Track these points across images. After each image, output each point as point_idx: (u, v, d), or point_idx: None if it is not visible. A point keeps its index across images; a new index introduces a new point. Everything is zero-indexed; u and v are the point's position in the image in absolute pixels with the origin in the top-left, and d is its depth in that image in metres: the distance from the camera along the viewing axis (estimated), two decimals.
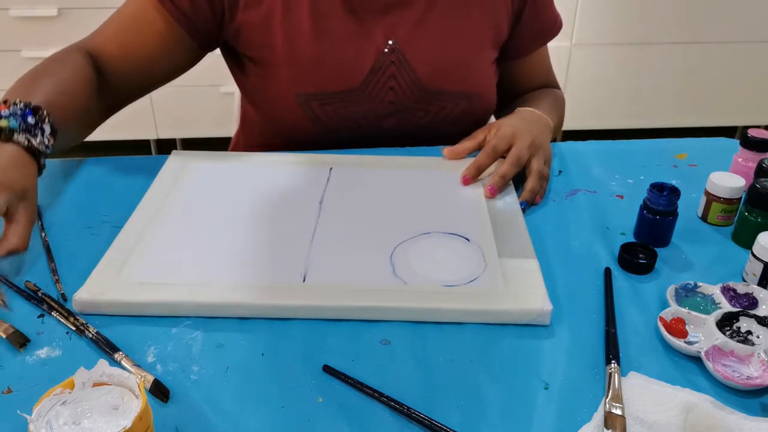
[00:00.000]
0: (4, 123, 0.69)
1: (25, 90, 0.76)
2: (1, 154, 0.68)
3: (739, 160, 0.84)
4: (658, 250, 0.71)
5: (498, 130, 0.87)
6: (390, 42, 0.64)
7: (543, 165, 0.84)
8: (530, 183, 0.82)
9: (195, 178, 0.82)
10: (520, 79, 1.05)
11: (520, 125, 0.88)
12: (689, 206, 0.82)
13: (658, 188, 0.73)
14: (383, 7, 0.88)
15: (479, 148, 0.88)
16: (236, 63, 0.95)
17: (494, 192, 0.80)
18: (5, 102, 0.71)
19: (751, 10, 2.31)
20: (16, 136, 0.69)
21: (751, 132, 0.83)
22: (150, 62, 0.89)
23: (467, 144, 0.89)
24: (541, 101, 1.01)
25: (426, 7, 0.90)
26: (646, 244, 0.73)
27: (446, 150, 0.89)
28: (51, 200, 0.80)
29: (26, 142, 0.70)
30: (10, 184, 0.66)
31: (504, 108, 1.06)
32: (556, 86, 1.11)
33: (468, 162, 0.85)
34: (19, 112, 0.70)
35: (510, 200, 0.80)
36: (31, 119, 0.71)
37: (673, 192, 0.73)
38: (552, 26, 1.01)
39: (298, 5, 0.86)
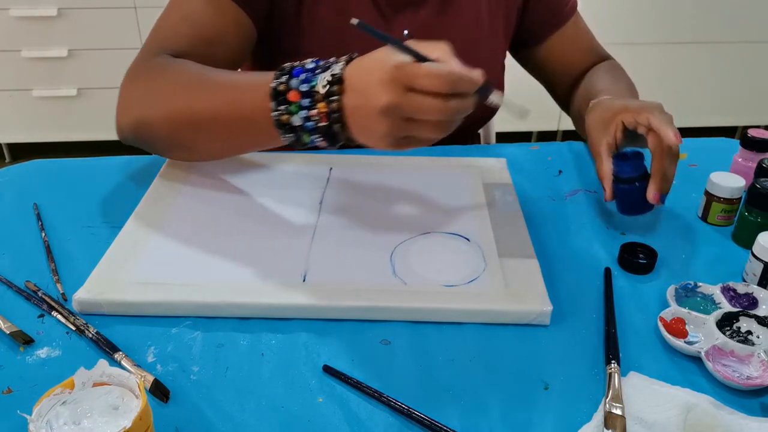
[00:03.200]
0: (334, 70, 0.62)
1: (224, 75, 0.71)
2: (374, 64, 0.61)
3: (739, 160, 0.84)
4: (657, 249, 0.71)
5: (641, 116, 0.76)
6: (405, 32, 0.64)
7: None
8: (671, 170, 0.74)
9: (195, 178, 0.82)
10: (557, 60, 1.03)
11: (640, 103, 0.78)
12: (689, 206, 0.82)
13: (621, 156, 0.74)
14: (404, 2, 0.90)
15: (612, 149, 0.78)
16: (260, 58, 0.94)
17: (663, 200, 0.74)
18: (284, 93, 0.63)
19: (751, 10, 2.31)
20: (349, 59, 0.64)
21: (751, 132, 0.83)
22: (235, 54, 0.85)
23: (606, 161, 0.77)
24: (609, 89, 0.92)
25: (441, 2, 0.91)
26: (631, 215, 0.74)
27: (608, 194, 0.76)
28: (51, 200, 0.80)
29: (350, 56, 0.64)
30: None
31: (559, 92, 1.05)
32: (606, 56, 1.05)
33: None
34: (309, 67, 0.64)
35: (510, 200, 0.80)
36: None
37: (636, 156, 0.73)
38: (564, 6, 1.00)
39: None
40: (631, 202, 0.74)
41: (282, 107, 0.63)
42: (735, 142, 0.94)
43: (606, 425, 0.52)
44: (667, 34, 2.33)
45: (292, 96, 0.63)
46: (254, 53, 0.95)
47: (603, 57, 1.05)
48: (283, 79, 0.64)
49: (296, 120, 0.63)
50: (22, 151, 2.50)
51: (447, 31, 0.92)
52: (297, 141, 0.65)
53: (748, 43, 2.38)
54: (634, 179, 0.73)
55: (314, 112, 0.62)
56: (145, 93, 0.75)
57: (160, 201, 0.77)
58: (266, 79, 0.65)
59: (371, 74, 0.60)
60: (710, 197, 0.78)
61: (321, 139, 0.64)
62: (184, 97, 0.72)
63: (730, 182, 0.77)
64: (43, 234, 0.74)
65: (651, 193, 0.72)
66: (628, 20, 2.28)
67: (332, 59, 0.64)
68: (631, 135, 0.77)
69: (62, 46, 2.19)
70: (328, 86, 0.62)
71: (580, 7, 1.06)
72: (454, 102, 0.59)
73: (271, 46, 0.91)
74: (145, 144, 0.78)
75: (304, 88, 0.63)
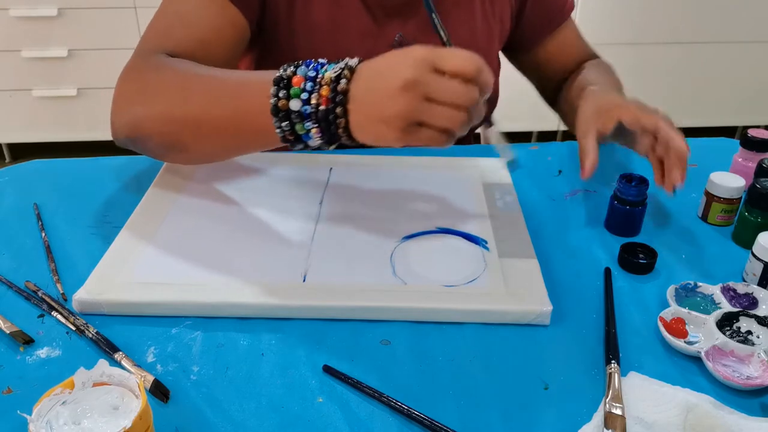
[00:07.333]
0: (350, 62, 0.61)
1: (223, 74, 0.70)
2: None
3: (739, 160, 0.84)
4: (657, 249, 0.71)
5: (633, 113, 0.75)
6: (397, 36, 0.63)
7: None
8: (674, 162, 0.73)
9: (195, 178, 0.82)
10: (550, 62, 1.04)
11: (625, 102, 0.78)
12: (689, 206, 0.82)
13: (627, 179, 0.75)
14: (397, 6, 0.89)
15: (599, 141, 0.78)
16: (254, 59, 0.94)
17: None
18: (288, 78, 0.61)
19: (751, 10, 2.31)
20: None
21: (751, 132, 0.83)
22: (230, 54, 0.84)
23: (592, 140, 0.76)
24: (600, 81, 0.93)
25: (435, 6, 0.90)
26: (618, 234, 0.75)
27: (587, 171, 0.75)
28: (51, 200, 0.80)
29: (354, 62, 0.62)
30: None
31: (548, 90, 1.07)
32: (595, 56, 1.06)
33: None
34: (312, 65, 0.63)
35: (510, 200, 0.80)
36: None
37: (642, 182, 0.74)
38: (560, 11, 1.00)
39: None
40: (624, 223, 0.76)
41: (282, 92, 0.61)
42: (735, 142, 0.94)
43: (606, 425, 0.52)
44: (668, 34, 2.33)
45: (296, 81, 0.61)
46: (248, 55, 0.95)
47: (593, 56, 1.07)
48: (291, 68, 0.62)
49: (294, 104, 0.60)
50: (22, 151, 2.50)
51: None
52: (291, 131, 0.61)
53: (748, 43, 2.38)
54: (635, 203, 0.75)
55: (315, 96, 0.60)
56: (140, 92, 0.73)
57: (160, 201, 0.77)
58: (272, 72, 0.63)
59: (395, 55, 0.59)
60: (710, 197, 0.78)
61: (316, 128, 0.60)
62: (180, 96, 0.70)
63: (730, 182, 0.77)
64: (43, 234, 0.74)
65: (668, 185, 0.72)
66: (628, 21, 2.28)
67: (349, 58, 0.62)
68: (618, 131, 0.77)
69: (62, 46, 2.19)
70: (339, 71, 0.60)
71: (585, 8, 1.06)
72: (475, 90, 0.58)
73: (264, 47, 0.91)
74: (139, 144, 0.75)
75: (312, 73, 0.61)
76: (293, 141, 0.63)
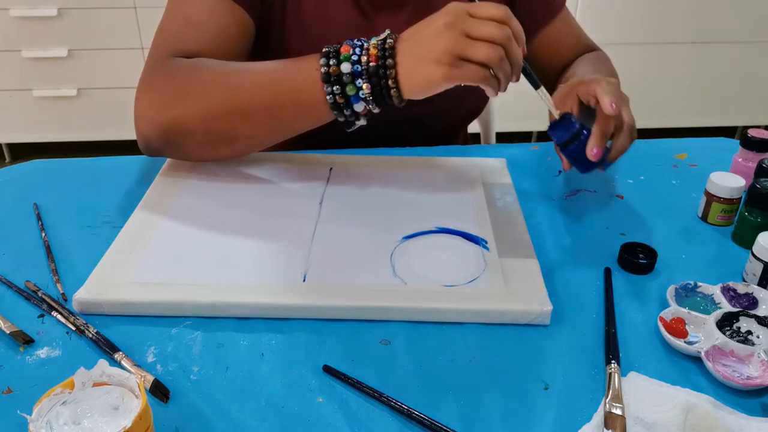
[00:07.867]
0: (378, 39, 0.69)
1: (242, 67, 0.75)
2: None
3: (739, 160, 0.84)
4: (657, 249, 0.71)
5: (593, 87, 0.76)
6: (387, 31, 0.66)
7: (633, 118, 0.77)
8: (621, 140, 0.75)
9: (195, 178, 0.82)
10: (546, 55, 1.03)
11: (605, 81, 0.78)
12: (689, 206, 0.82)
13: (552, 125, 0.74)
14: (385, 2, 0.90)
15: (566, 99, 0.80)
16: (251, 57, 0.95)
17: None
18: (336, 49, 0.69)
19: (751, 10, 2.31)
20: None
21: (751, 132, 0.83)
22: (239, 52, 0.86)
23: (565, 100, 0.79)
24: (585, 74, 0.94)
25: (422, 1, 0.91)
26: (588, 171, 0.74)
27: (567, 163, 0.77)
28: (51, 200, 0.81)
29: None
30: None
31: (547, 84, 1.05)
32: (593, 47, 1.06)
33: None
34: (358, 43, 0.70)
35: (510, 200, 0.80)
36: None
37: (564, 119, 0.73)
38: (551, 4, 1.00)
39: None
40: (578, 160, 0.73)
41: (333, 60, 0.68)
42: (735, 142, 0.94)
43: (606, 425, 0.52)
44: (667, 34, 2.33)
45: (344, 49, 0.68)
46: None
47: (590, 48, 1.06)
48: (335, 44, 0.68)
49: (345, 67, 0.67)
50: (22, 151, 2.50)
51: None
52: (342, 94, 0.68)
53: (748, 43, 2.38)
54: (569, 141, 0.73)
55: (364, 56, 0.67)
56: (172, 94, 0.74)
57: (160, 201, 0.77)
58: (312, 55, 0.70)
59: (432, 15, 0.67)
60: (710, 197, 0.78)
61: (367, 83, 0.67)
62: (221, 87, 0.73)
63: (730, 182, 0.77)
64: (43, 234, 0.74)
65: (589, 150, 0.72)
66: (628, 21, 2.28)
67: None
68: (587, 110, 0.78)
69: (62, 46, 2.19)
70: (384, 35, 0.67)
71: (585, 8, 1.06)
72: (507, 30, 0.65)
73: (257, 47, 0.91)
74: (176, 147, 0.76)
75: (358, 42, 0.68)
76: (342, 106, 0.69)
